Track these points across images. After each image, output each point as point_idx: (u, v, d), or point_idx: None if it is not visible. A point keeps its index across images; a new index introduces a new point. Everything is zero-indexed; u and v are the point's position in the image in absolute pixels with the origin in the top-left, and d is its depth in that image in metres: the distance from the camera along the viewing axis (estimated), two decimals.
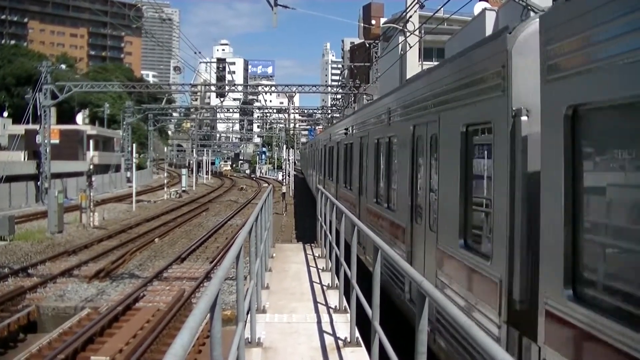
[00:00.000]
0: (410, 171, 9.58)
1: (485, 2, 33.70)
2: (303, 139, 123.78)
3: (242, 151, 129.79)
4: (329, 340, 7.15)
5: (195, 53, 41.16)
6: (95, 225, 29.27)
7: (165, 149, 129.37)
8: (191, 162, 77.10)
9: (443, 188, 7.71)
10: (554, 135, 4.62)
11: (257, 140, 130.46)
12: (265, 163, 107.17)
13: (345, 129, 18.93)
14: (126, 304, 14.51)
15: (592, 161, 4.47)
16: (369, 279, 6.02)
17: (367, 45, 52.93)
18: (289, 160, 56.29)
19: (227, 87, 63.51)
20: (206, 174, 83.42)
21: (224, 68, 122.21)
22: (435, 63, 16.14)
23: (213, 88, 64.83)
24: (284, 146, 66.72)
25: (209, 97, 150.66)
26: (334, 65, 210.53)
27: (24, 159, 52.25)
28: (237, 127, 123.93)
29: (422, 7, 22.31)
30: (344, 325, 7.69)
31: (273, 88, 57.92)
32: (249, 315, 6.62)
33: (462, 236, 6.84)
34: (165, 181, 56.08)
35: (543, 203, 4.82)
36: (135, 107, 67.25)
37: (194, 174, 67.03)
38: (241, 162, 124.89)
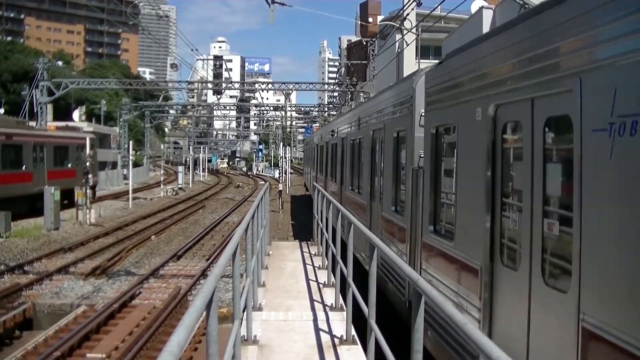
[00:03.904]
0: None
1: (483, 0, 33.73)
2: (300, 137, 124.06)
3: (238, 149, 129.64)
4: (325, 338, 7.17)
5: (192, 50, 41.37)
6: (92, 223, 29.23)
7: (162, 146, 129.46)
8: (188, 159, 76.98)
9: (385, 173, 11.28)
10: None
11: (253, 137, 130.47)
12: (262, 161, 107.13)
13: (330, 131, 22.48)
14: (122, 302, 14.50)
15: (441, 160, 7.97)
16: (365, 276, 6.04)
17: (364, 43, 52.81)
18: (285, 157, 56.28)
19: (223, 85, 63.38)
20: (203, 172, 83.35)
21: (221, 65, 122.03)
22: (434, 61, 16.24)
23: (210, 85, 64.68)
24: (281, 144, 66.70)
25: (206, 95, 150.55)
26: (331, 63, 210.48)
27: None
28: (233, 124, 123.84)
29: (419, 4, 22.31)
30: (340, 323, 7.71)
31: (270, 85, 57.72)
32: (245, 312, 6.63)
33: (394, 204, 10.70)
34: (162, 178, 55.99)
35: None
36: (132, 104, 67.13)
37: (191, 172, 66.95)
38: (238, 159, 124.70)
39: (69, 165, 36.55)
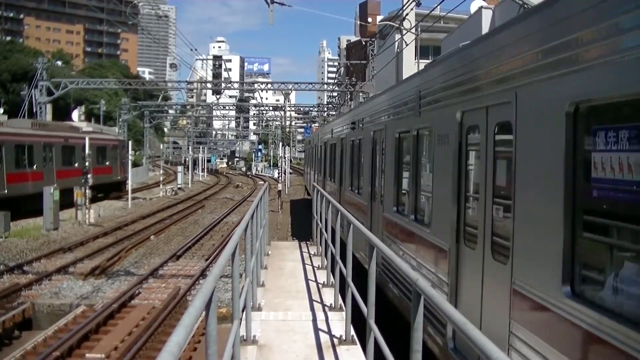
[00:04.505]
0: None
1: (482, 0, 33.76)
2: (299, 137, 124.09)
3: (238, 149, 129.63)
4: (324, 338, 7.17)
5: (191, 50, 41.43)
6: (91, 223, 29.21)
7: (161, 146, 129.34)
8: (187, 159, 76.92)
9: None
10: None
11: (253, 137, 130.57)
12: (261, 161, 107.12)
13: (350, 123, 16.67)
14: (121, 302, 14.49)
15: None
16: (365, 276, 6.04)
17: (364, 43, 52.85)
18: (285, 157, 56.26)
19: (223, 85, 63.39)
20: (202, 172, 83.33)
21: (220, 65, 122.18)
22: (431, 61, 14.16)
23: (209, 85, 64.74)
24: (280, 143, 66.73)
25: (205, 95, 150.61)
26: (330, 63, 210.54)
27: None
28: (233, 124, 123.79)
29: (418, 5, 22.33)
30: (339, 323, 7.71)
31: (269, 85, 57.75)
32: (244, 312, 6.63)
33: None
34: (161, 178, 56.00)
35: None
36: (131, 104, 67.13)
37: (190, 172, 66.89)
38: (237, 159, 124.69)
39: (107, 163, 42.35)
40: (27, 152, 32.26)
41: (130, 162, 43.73)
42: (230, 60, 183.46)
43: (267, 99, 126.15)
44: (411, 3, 22.11)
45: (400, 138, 10.33)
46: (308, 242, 15.27)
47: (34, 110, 43.07)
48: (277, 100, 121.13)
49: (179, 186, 55.38)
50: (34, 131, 33.80)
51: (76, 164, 37.17)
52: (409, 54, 42.05)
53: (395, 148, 10.50)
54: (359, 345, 6.80)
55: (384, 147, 11.59)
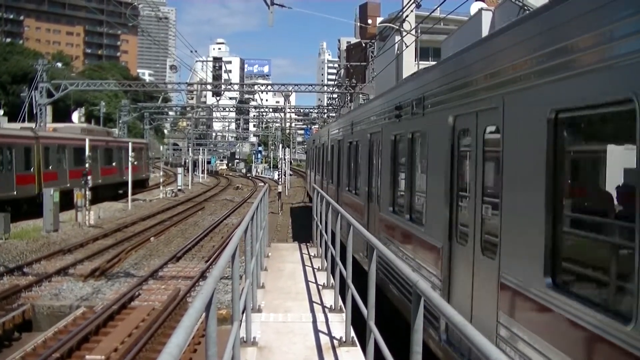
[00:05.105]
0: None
1: (482, 2, 33.76)
2: (299, 138, 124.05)
3: (238, 150, 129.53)
4: (324, 339, 7.17)
5: (191, 52, 41.49)
6: (91, 224, 29.19)
7: (161, 147, 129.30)
8: (187, 161, 76.83)
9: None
10: None
11: (253, 139, 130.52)
12: (261, 162, 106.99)
13: (394, 108, 11.26)
14: (121, 303, 14.48)
15: None
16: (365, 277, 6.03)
17: (364, 44, 52.89)
18: (285, 159, 56.22)
19: (223, 86, 63.38)
20: (202, 173, 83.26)
21: (220, 67, 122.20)
22: (432, 63, 13.47)
23: (209, 87, 64.77)
24: (280, 145, 66.70)
25: (205, 96, 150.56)
26: (330, 65, 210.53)
27: None
28: (233, 126, 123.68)
29: (418, 6, 22.36)
30: (339, 324, 7.71)
31: (269, 87, 57.76)
32: (244, 314, 6.63)
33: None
34: (161, 180, 55.96)
35: None
36: (131, 106, 67.09)
37: (190, 173, 66.84)
38: (237, 161, 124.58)
39: (135, 162, 46.80)
40: (82, 153, 37.15)
41: (130, 164, 43.68)
42: (230, 62, 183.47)
43: (267, 100, 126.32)
44: (411, 4, 22.13)
45: (559, 120, 4.61)
46: (308, 244, 15.26)
47: (34, 112, 43.03)
48: (277, 102, 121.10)
49: (179, 188, 55.33)
50: (84, 136, 39.34)
51: (114, 164, 45.53)
52: (409, 55, 42.08)
53: (548, 144, 4.66)
54: (359, 347, 6.79)
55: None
